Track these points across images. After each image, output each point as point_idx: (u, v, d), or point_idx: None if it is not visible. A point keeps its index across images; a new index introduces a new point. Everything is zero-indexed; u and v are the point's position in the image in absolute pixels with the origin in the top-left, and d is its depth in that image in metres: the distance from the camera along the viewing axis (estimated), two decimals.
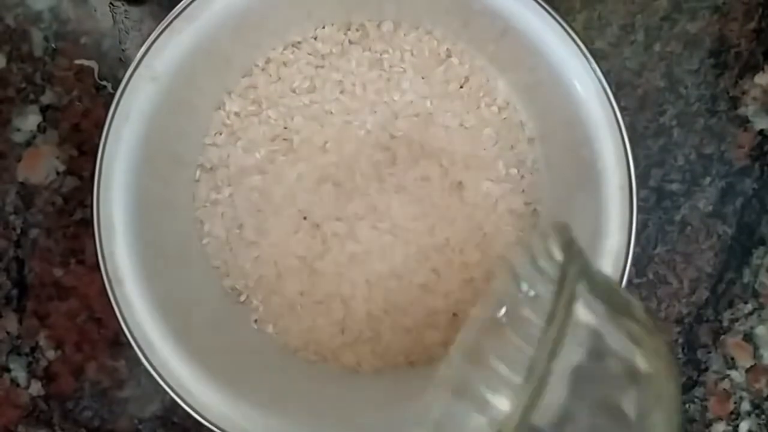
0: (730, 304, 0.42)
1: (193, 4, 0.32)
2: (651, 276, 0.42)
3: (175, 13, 0.32)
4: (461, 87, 0.39)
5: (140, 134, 0.32)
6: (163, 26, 0.32)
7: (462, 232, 0.38)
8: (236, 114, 0.38)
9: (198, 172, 0.38)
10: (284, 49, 0.39)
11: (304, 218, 0.38)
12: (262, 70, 0.39)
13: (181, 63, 0.33)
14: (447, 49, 0.39)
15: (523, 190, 0.39)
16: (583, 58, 0.31)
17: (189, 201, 0.38)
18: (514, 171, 0.39)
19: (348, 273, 0.38)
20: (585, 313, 0.24)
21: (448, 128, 0.38)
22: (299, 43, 0.39)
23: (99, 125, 0.33)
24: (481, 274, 0.38)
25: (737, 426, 0.42)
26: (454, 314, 0.39)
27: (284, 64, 0.39)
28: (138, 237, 0.33)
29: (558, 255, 0.26)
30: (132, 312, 0.32)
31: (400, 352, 0.38)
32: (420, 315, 0.38)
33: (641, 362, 0.25)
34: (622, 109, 0.40)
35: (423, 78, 0.38)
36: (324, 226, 0.38)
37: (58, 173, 0.41)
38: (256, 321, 0.39)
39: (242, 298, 0.38)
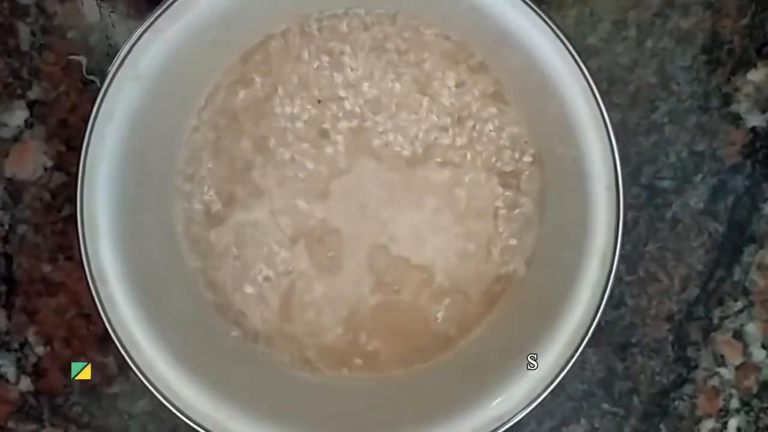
0: (721, 302, 0.42)
1: (177, 2, 0.31)
2: (641, 273, 0.42)
3: (159, 11, 0.31)
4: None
5: (124, 134, 0.32)
6: (147, 24, 0.31)
7: None
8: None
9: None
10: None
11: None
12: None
13: (165, 62, 0.32)
14: None
15: (514, 187, 0.38)
16: (570, 57, 0.31)
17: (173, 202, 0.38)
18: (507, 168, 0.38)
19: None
20: None
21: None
22: None
23: (87, 120, 0.32)
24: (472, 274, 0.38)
25: (726, 423, 0.42)
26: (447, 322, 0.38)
27: None
28: (122, 238, 0.33)
29: None
30: (117, 312, 0.32)
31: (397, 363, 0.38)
32: (414, 323, 0.38)
33: None
34: (613, 106, 0.40)
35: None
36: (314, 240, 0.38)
37: (45, 169, 0.41)
38: None
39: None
